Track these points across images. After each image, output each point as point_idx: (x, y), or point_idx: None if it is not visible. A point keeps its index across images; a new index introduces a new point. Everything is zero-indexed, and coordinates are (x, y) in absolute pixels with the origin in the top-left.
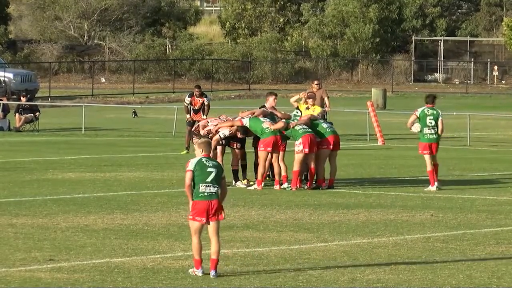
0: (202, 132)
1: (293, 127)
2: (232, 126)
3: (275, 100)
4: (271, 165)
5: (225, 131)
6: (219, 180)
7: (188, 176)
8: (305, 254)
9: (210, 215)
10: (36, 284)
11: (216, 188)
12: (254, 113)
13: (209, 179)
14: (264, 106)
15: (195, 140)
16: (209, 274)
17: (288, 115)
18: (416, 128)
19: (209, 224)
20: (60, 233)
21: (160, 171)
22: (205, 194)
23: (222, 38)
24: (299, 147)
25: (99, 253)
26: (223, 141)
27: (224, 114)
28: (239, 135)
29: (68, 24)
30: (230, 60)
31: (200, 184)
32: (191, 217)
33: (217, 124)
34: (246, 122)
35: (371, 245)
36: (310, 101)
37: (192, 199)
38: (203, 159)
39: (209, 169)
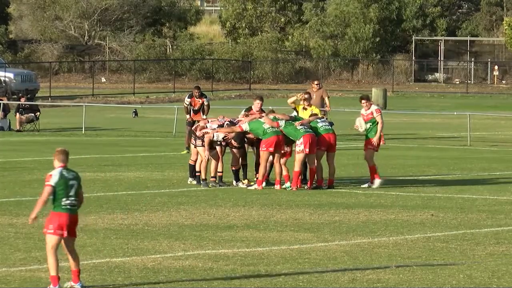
0: (198, 133)
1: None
2: (231, 132)
3: (260, 105)
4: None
5: (219, 134)
6: (78, 192)
7: (47, 191)
8: (306, 254)
9: (71, 230)
10: (36, 284)
11: (77, 201)
12: (252, 119)
13: (71, 193)
14: (250, 109)
15: (198, 142)
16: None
17: (288, 116)
18: (362, 127)
19: (65, 238)
20: None
21: (160, 171)
22: (68, 207)
23: (222, 38)
24: (300, 147)
25: (99, 253)
26: (223, 141)
27: (221, 114)
28: (234, 144)
29: (69, 24)
30: (231, 60)
31: (63, 198)
32: (51, 231)
33: (215, 128)
34: (246, 127)
35: (371, 245)
36: (305, 102)
37: (52, 210)
38: (64, 172)
39: (71, 182)
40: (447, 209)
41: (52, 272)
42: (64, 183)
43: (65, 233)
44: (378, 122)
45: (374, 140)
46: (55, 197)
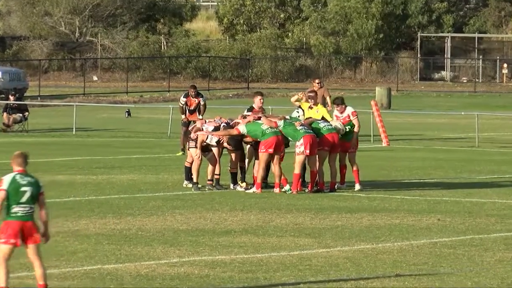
0: (192, 135)
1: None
2: (228, 135)
3: (261, 100)
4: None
5: (213, 137)
6: (35, 199)
7: (0, 196)
8: (306, 260)
9: (26, 238)
10: None
11: (31, 209)
12: (249, 121)
13: (23, 200)
14: (252, 108)
15: (191, 143)
16: None
17: (282, 116)
18: (341, 127)
19: (26, 247)
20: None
21: (154, 173)
22: (18, 214)
23: (219, 34)
24: (300, 149)
25: (90, 260)
26: (218, 145)
27: (218, 115)
28: (229, 147)
29: (59, 20)
30: (228, 58)
31: (13, 206)
32: (3, 240)
33: (211, 131)
34: (243, 129)
35: (375, 251)
36: (311, 100)
37: (4, 219)
38: (17, 177)
39: (23, 188)
40: (454, 214)
41: (1, 283)
42: (15, 189)
43: (18, 242)
44: (355, 125)
45: (352, 143)
46: (7, 203)
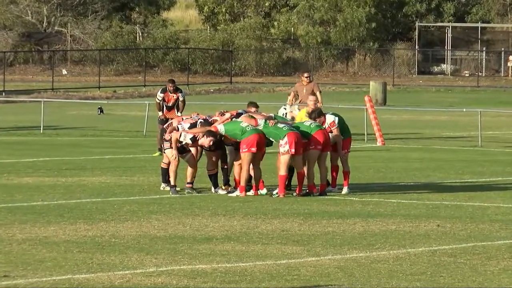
0: (167, 136)
1: (274, 125)
2: (204, 132)
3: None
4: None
5: (187, 135)
6: None
7: None
8: (294, 269)
9: None
10: None
11: None
12: (227, 119)
13: None
14: (241, 113)
15: (166, 144)
16: None
17: (266, 115)
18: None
19: None
20: (16, 245)
21: (129, 175)
22: None
23: (199, 24)
24: (284, 148)
25: (60, 269)
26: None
27: (195, 111)
28: (205, 145)
29: (25, 9)
30: (209, 50)
31: None
32: None
33: (188, 128)
34: (221, 129)
35: (369, 259)
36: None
37: None
38: None
39: None
40: (455, 219)
41: None
42: None
43: None
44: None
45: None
46: None
